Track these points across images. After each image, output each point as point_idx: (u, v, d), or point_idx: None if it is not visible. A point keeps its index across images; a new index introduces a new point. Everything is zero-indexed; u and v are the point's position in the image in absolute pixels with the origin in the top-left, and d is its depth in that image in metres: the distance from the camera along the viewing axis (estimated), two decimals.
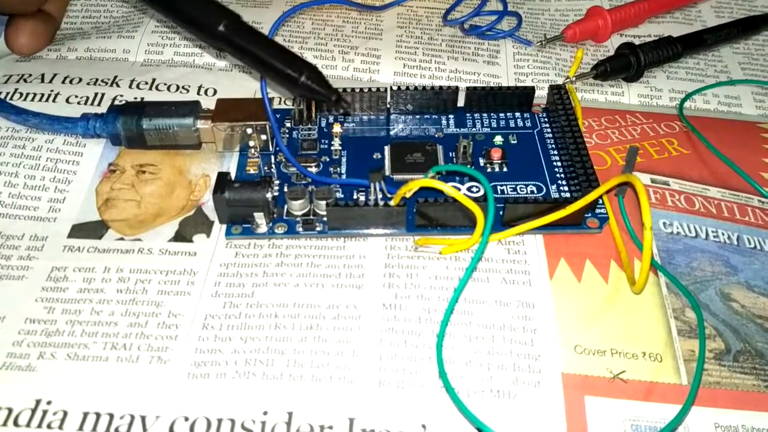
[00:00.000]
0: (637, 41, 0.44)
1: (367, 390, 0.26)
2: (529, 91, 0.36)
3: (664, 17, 0.47)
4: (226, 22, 0.29)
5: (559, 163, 0.34)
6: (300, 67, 0.29)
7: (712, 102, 0.40)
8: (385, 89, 0.35)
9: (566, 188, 0.32)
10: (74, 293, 0.28)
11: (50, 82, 0.37)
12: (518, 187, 0.33)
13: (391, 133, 0.36)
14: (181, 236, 0.31)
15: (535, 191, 0.32)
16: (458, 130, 0.36)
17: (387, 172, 0.33)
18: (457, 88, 0.36)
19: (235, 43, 0.29)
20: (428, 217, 0.30)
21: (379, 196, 0.30)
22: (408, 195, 0.29)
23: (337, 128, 0.35)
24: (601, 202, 0.32)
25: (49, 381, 0.26)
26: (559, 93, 0.36)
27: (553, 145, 0.35)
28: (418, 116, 0.36)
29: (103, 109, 0.35)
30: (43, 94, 0.37)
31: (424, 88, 0.36)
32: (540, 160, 0.34)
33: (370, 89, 0.35)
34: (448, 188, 0.28)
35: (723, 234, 0.32)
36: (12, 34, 0.38)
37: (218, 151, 0.34)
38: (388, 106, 0.36)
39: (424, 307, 0.28)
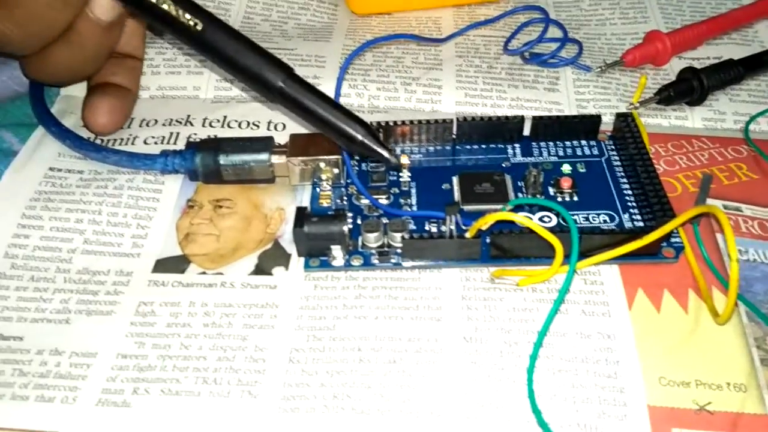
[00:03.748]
0: (696, 64, 0.44)
1: (455, 424, 0.26)
2: (596, 120, 0.36)
3: (722, 38, 0.46)
4: (284, 78, 0.30)
5: (629, 192, 0.34)
6: (358, 125, 0.31)
7: None
8: (451, 120, 0.36)
9: (639, 217, 0.32)
10: (162, 328, 0.29)
11: (128, 127, 0.39)
12: (590, 216, 0.33)
13: (458, 163, 0.36)
14: (261, 269, 0.32)
15: (608, 220, 0.32)
16: (525, 159, 0.36)
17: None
18: (522, 117, 0.36)
19: (293, 99, 0.31)
20: (503, 248, 0.31)
21: (454, 228, 0.30)
22: (484, 228, 0.29)
23: (405, 160, 0.36)
24: (675, 230, 0.32)
25: (145, 416, 0.26)
26: (626, 121, 0.36)
27: (623, 173, 0.35)
28: (483, 146, 0.37)
29: (178, 146, 0.36)
30: (122, 139, 0.38)
31: (490, 118, 0.36)
32: (610, 188, 0.34)
33: (436, 121, 0.36)
34: (526, 221, 0.28)
35: None
36: (90, 115, 0.37)
37: (292, 185, 0.35)
38: (454, 136, 0.37)
39: (505, 340, 0.28)
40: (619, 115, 0.36)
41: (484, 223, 0.29)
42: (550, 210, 0.33)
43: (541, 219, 0.33)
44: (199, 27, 0.30)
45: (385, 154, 0.31)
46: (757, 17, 0.47)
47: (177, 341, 0.29)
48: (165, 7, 0.30)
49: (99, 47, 0.35)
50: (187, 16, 0.30)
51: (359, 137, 0.30)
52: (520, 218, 0.28)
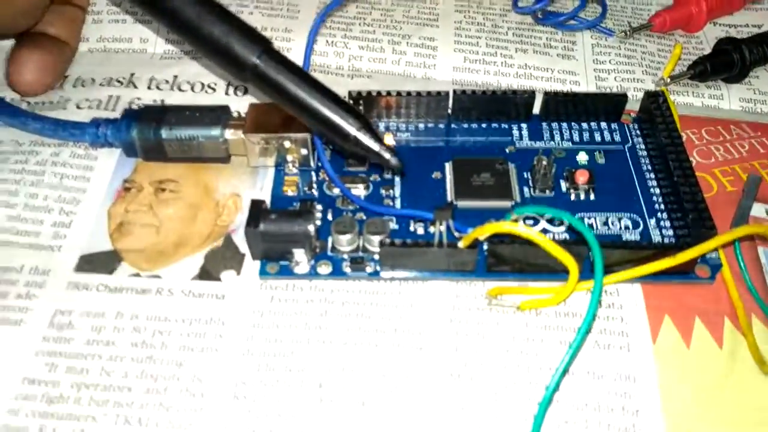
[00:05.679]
0: (733, 32, 0.38)
1: None
2: (620, 99, 0.30)
3: (763, 3, 0.40)
4: (259, 53, 0.23)
5: (657, 190, 0.28)
6: (352, 117, 0.24)
7: None
8: (447, 93, 0.30)
9: (668, 224, 0.27)
10: (81, 345, 0.24)
11: (60, 87, 0.32)
12: (609, 220, 0.27)
13: (453, 145, 0.30)
14: (207, 273, 0.26)
15: (631, 227, 0.27)
16: (533, 143, 0.30)
17: (449, 198, 0.28)
18: (533, 92, 0.30)
19: (270, 81, 0.23)
20: (503, 259, 0.25)
21: (444, 235, 0.25)
22: (481, 238, 0.24)
23: (389, 139, 0.30)
24: None
25: None
26: (656, 101, 0.30)
27: (649, 166, 0.29)
28: (484, 125, 0.31)
29: (117, 114, 0.30)
30: (51, 102, 0.31)
31: (493, 92, 0.30)
32: (634, 185, 0.28)
33: (429, 93, 0.30)
34: (534, 236, 0.22)
35: None
36: (15, 71, 0.30)
37: (250, 166, 0.29)
38: (450, 112, 0.31)
39: (499, 379, 0.23)
40: (648, 94, 0.30)
41: (481, 233, 0.23)
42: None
43: (551, 221, 0.27)
44: None
45: (386, 155, 0.24)
46: None
47: (97, 365, 0.23)
48: None
49: (25, 4, 0.29)
50: None
51: (353, 132, 0.24)
52: (527, 231, 0.22)
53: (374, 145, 0.24)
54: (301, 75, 0.24)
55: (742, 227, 0.23)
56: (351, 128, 0.24)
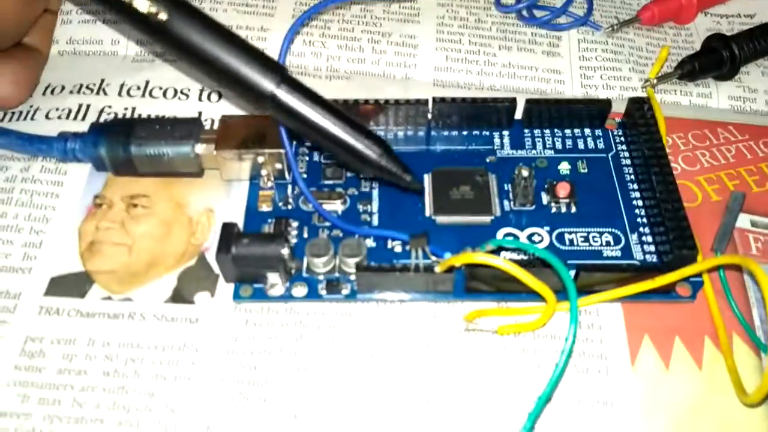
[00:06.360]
0: (724, 22, 0.37)
1: None
2: (604, 106, 0.29)
3: None
4: (278, 82, 0.22)
5: (640, 202, 0.27)
6: (373, 143, 0.23)
7: None
8: (426, 101, 0.29)
9: (650, 240, 0.26)
10: (53, 375, 0.23)
11: (30, 95, 0.31)
12: (591, 236, 0.27)
13: (433, 152, 0.29)
14: (180, 295, 0.26)
15: (612, 243, 0.26)
16: (515, 152, 0.29)
17: (428, 213, 0.27)
18: (514, 99, 0.29)
19: (289, 110, 0.23)
20: (482, 279, 0.25)
21: (421, 262, 0.24)
22: (457, 265, 0.23)
23: None
24: None
25: None
26: (641, 108, 0.29)
27: (632, 176, 0.28)
28: (465, 132, 0.30)
29: (87, 124, 0.29)
30: (20, 112, 0.30)
31: (474, 100, 0.29)
32: (617, 197, 0.28)
33: (408, 101, 0.29)
34: (512, 268, 0.22)
35: None
36: None
37: (224, 180, 0.29)
38: (430, 118, 0.30)
39: (476, 407, 0.23)
40: (632, 101, 0.29)
41: (456, 262, 0.23)
42: (541, 226, 0.27)
43: (530, 238, 0.26)
44: (163, 17, 0.22)
45: (407, 177, 0.24)
46: None
47: (69, 396, 0.23)
48: None
49: (17, 22, 0.28)
50: (146, 2, 0.22)
51: (375, 158, 0.23)
52: (502, 264, 0.22)
53: (396, 169, 0.24)
54: (320, 102, 0.23)
55: (722, 257, 0.23)
56: (373, 154, 0.23)
